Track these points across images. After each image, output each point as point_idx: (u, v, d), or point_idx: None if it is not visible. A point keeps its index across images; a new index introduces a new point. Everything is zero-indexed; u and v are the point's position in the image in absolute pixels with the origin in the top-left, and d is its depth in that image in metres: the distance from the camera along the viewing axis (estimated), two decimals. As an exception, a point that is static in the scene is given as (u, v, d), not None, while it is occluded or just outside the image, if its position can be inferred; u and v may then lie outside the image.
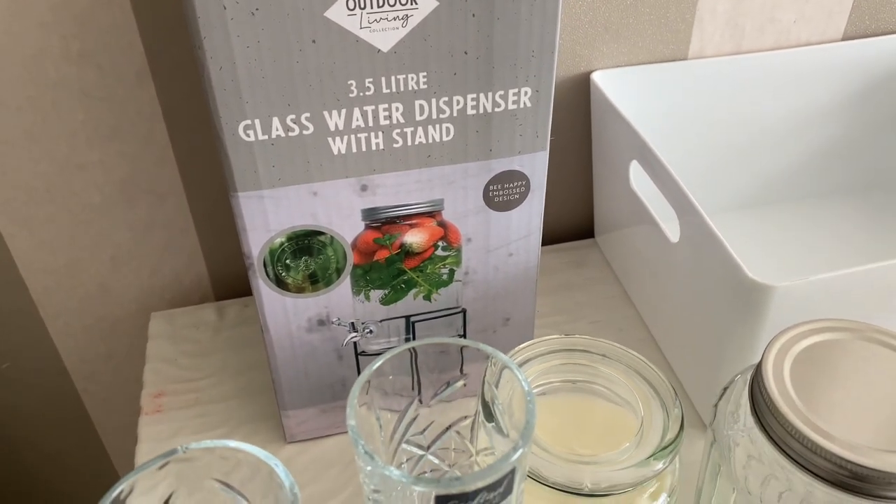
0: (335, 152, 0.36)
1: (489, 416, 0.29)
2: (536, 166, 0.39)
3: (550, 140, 0.56)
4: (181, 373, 0.52)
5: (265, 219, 0.37)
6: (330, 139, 0.35)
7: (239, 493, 0.26)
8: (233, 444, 0.25)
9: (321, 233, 0.38)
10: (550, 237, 0.62)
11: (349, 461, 0.46)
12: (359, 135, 0.35)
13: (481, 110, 0.36)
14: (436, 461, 0.31)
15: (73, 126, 0.49)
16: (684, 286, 0.46)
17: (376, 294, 0.41)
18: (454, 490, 0.22)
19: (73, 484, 0.67)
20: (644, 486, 0.32)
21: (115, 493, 0.24)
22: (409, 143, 0.36)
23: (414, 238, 0.40)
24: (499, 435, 0.29)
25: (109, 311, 0.58)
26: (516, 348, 0.35)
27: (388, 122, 0.35)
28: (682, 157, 0.55)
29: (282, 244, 0.38)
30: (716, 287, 0.41)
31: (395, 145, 0.36)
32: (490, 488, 0.22)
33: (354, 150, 0.36)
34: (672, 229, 0.46)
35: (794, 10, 0.56)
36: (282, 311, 0.41)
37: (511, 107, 0.36)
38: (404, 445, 0.30)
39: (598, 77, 0.54)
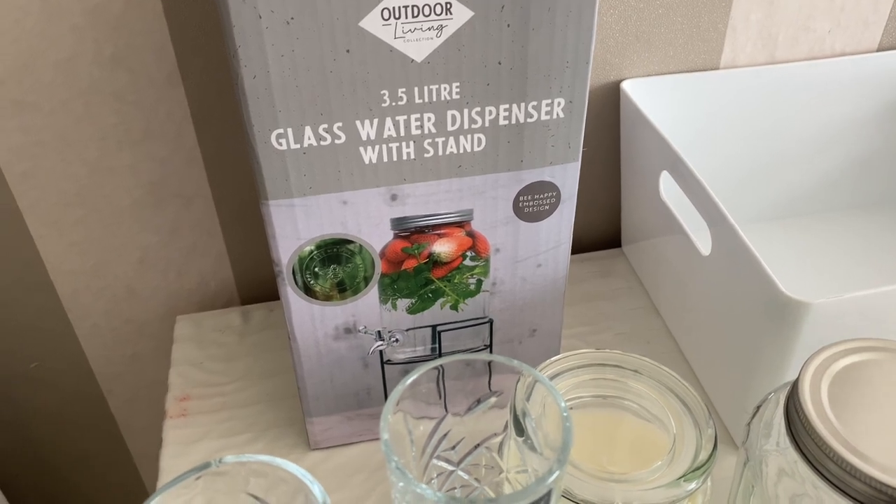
0: (366, 161, 0.36)
1: (520, 431, 0.29)
2: (568, 177, 0.39)
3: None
4: (207, 377, 0.52)
5: (295, 227, 0.37)
6: (361, 148, 0.35)
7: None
8: (266, 458, 0.24)
9: (350, 241, 0.38)
10: (576, 246, 0.61)
11: (374, 468, 0.46)
12: (390, 144, 0.35)
13: (514, 121, 0.36)
14: (466, 477, 0.31)
15: (104, 129, 0.49)
16: (715, 300, 0.45)
17: (403, 303, 0.41)
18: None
19: (97, 486, 0.68)
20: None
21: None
22: (441, 153, 0.36)
23: (442, 248, 0.39)
24: (531, 452, 0.28)
25: (136, 314, 0.58)
26: (546, 362, 0.35)
27: (419, 131, 0.35)
28: (713, 167, 0.55)
29: (311, 252, 0.38)
30: (748, 301, 0.41)
31: (426, 155, 0.36)
32: (525, 510, 0.22)
33: (385, 159, 0.36)
34: (703, 241, 0.45)
35: (830, 20, 0.55)
36: (309, 318, 0.41)
37: (544, 118, 0.36)
38: (434, 461, 0.30)
39: (628, 86, 0.53)
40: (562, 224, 0.40)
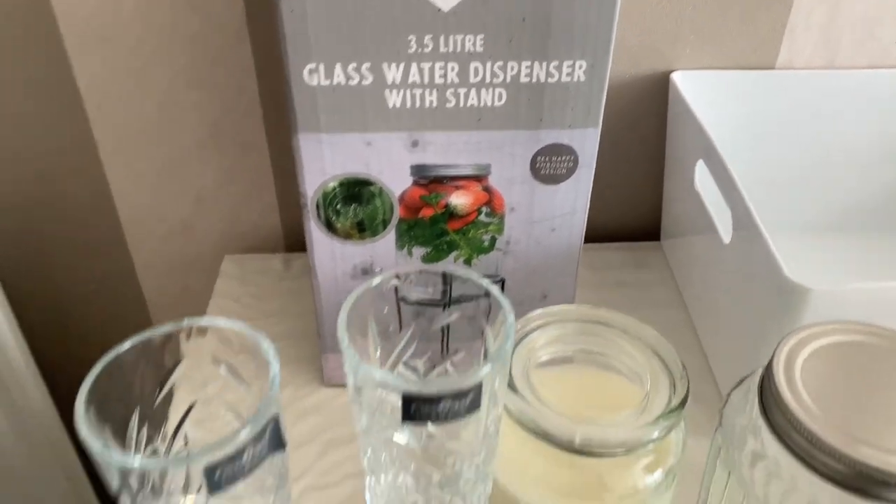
0: (390, 105, 0.38)
1: (485, 353, 0.30)
2: (586, 143, 0.40)
3: (624, 136, 0.56)
4: (241, 311, 0.55)
5: (322, 162, 0.40)
6: (386, 91, 0.37)
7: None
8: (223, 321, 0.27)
9: (371, 183, 0.40)
10: (617, 236, 0.62)
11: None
12: (414, 91, 0.37)
13: (534, 79, 0.37)
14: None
15: (175, 69, 0.53)
16: (732, 289, 0.45)
17: (419, 251, 0.43)
18: (418, 391, 0.23)
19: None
20: (638, 454, 0.32)
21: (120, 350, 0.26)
22: (462, 104, 0.38)
23: (459, 200, 0.41)
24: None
25: (189, 249, 0.62)
26: (534, 313, 0.36)
27: (442, 80, 0.37)
28: (751, 166, 0.54)
29: (334, 189, 0.40)
30: (759, 288, 0.41)
31: (447, 105, 0.38)
32: (455, 397, 0.23)
33: (408, 105, 0.38)
34: (727, 231, 0.45)
35: (897, 30, 0.54)
36: (329, 255, 0.43)
37: (565, 79, 0.37)
38: (400, 368, 0.32)
39: (678, 77, 0.54)
40: (578, 190, 0.41)
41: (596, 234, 0.55)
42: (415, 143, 0.39)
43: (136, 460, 0.22)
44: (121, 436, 0.26)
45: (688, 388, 0.32)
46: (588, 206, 0.42)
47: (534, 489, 0.33)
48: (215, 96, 0.54)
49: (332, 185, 0.40)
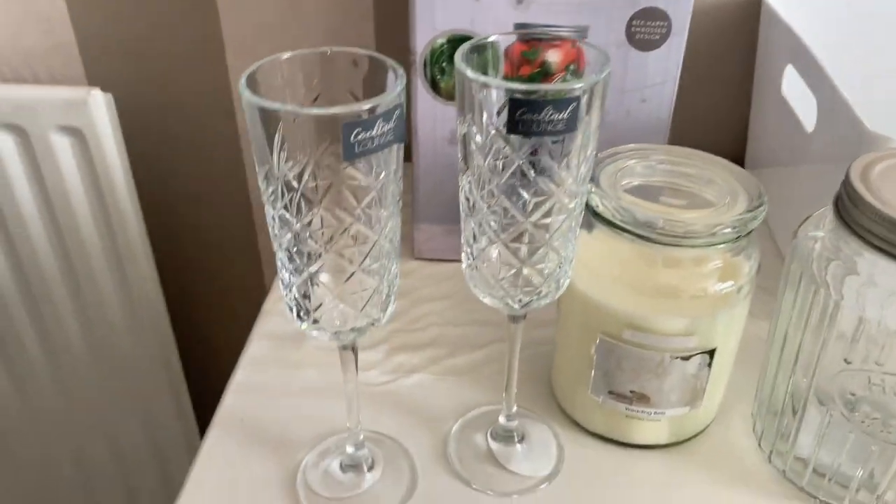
0: (500, -40, 0.41)
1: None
2: (680, 9, 0.42)
3: (713, 53, 0.57)
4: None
5: (433, 17, 0.43)
6: (498, -55, 0.41)
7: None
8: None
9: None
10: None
11: (461, 279, 0.51)
12: (523, -55, 0.41)
13: (635, -62, 0.40)
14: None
15: (300, -27, 0.58)
16: (815, 178, 0.47)
17: (515, 115, 0.46)
18: (524, 93, 0.26)
19: (231, 298, 0.76)
20: (712, 253, 0.34)
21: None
22: (566, -40, 0.41)
23: (554, 58, 0.44)
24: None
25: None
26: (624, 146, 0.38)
27: (550, -65, 0.41)
28: (844, 69, 0.55)
29: (442, 45, 0.44)
30: (839, 152, 0.42)
31: (553, -39, 0.41)
32: (556, 106, 0.26)
33: (517, -41, 0.41)
34: (809, 122, 0.47)
35: None
36: (431, 116, 0.47)
37: (663, -60, 0.40)
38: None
39: (771, -3, 0.55)
40: (670, 59, 0.44)
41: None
42: (519, 1, 0.43)
43: (276, 104, 0.26)
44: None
45: (764, 201, 0.34)
46: (678, 78, 0.45)
47: (611, 288, 0.36)
48: (333, 4, 0.59)
49: (440, 41, 0.44)
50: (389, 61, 0.29)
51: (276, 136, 0.26)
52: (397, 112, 0.26)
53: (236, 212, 0.71)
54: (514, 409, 0.39)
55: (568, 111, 0.27)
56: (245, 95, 0.26)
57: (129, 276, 0.66)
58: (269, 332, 0.47)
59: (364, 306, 0.31)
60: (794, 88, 0.50)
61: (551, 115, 0.27)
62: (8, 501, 0.82)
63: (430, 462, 0.39)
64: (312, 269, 0.30)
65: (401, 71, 0.28)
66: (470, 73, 0.28)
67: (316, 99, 0.30)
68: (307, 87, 0.30)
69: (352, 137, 0.26)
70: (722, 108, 0.62)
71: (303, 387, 0.44)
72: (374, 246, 0.30)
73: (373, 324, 0.32)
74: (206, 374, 0.80)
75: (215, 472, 0.39)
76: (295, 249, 0.29)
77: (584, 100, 0.27)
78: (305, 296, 0.31)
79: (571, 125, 0.27)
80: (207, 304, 0.77)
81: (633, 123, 0.46)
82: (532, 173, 0.30)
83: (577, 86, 0.27)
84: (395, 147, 0.28)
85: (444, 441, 0.40)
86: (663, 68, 0.44)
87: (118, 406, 0.74)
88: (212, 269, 0.75)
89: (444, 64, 0.45)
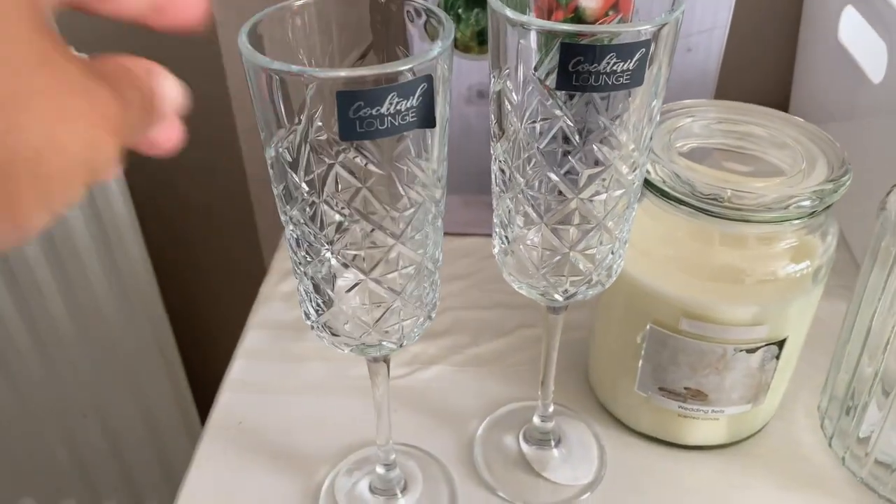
0: None
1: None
2: (735, -59, 0.36)
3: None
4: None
5: (446, -44, 0.38)
6: None
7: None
8: None
9: (497, -18, 0.38)
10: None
11: (480, 257, 0.46)
12: None
13: None
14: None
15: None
16: (883, 131, 0.41)
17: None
18: (581, 37, 0.20)
19: (234, 284, 0.72)
20: (784, 230, 0.29)
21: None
22: None
23: (588, 3, 0.38)
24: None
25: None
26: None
27: None
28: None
29: (457, -11, 0.38)
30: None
31: None
32: (621, 53, 0.20)
33: None
34: (877, 72, 0.41)
35: None
36: (446, 72, 0.41)
37: None
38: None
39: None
40: (720, 1, 0.38)
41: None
42: (547, -65, 0.37)
43: (273, 62, 0.21)
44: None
45: (849, 169, 0.29)
46: (729, 22, 0.39)
47: (664, 271, 0.30)
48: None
49: (455, -15, 0.38)
50: (436, 11, 0.22)
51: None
52: (422, 87, 0.20)
53: (233, 186, 0.65)
54: (551, 409, 0.34)
55: (636, 59, 0.21)
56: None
57: (117, 257, 0.61)
58: (268, 321, 0.42)
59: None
60: (854, 33, 0.45)
61: (615, 64, 0.21)
62: (4, 493, 0.78)
63: (457, 472, 0.35)
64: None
65: (449, 24, 0.22)
66: (510, 12, 0.23)
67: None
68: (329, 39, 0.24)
69: (350, 112, 0.20)
70: (769, 58, 0.56)
71: (307, 383, 0.39)
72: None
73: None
74: (203, 358, 0.75)
75: (210, 489, 0.34)
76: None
77: (653, 45, 0.22)
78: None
79: (638, 78, 0.22)
80: (204, 284, 0.72)
81: (678, 77, 0.40)
82: (577, 138, 0.24)
83: (646, 27, 0.21)
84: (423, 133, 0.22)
85: (469, 444, 0.36)
86: (712, 12, 0.38)
87: (112, 391, 0.69)
88: (208, 247, 0.70)
89: (459, 10, 0.39)
